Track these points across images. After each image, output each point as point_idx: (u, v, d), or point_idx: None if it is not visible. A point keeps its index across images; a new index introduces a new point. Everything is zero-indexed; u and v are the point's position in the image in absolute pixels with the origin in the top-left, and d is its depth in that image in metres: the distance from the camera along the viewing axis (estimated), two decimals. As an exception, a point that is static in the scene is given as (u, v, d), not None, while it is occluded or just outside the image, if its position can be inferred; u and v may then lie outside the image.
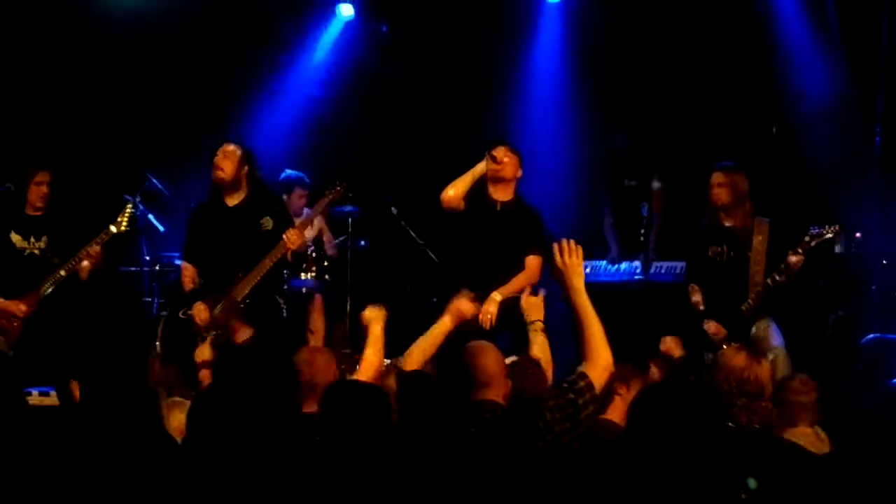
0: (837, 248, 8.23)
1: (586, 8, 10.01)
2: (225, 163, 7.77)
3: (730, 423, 4.71)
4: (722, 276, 7.66)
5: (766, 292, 7.45)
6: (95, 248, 7.86)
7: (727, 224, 7.69)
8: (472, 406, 4.51)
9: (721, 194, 7.63)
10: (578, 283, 4.73)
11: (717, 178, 7.65)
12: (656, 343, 6.74)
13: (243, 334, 6.59)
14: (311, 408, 4.89)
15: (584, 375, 4.58)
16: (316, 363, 5.30)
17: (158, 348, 7.80)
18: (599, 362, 4.64)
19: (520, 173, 7.62)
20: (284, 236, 7.68)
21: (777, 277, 7.37)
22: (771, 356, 7.32)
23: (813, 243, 7.32)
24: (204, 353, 6.62)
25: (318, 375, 5.19)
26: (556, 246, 4.74)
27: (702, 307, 7.66)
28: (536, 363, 5.32)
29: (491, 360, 4.65)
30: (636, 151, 9.41)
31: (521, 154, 7.63)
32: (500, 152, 7.52)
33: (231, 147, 7.80)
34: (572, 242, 4.72)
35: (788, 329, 7.65)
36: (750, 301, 7.50)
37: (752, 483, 3.85)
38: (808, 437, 5.09)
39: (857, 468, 4.15)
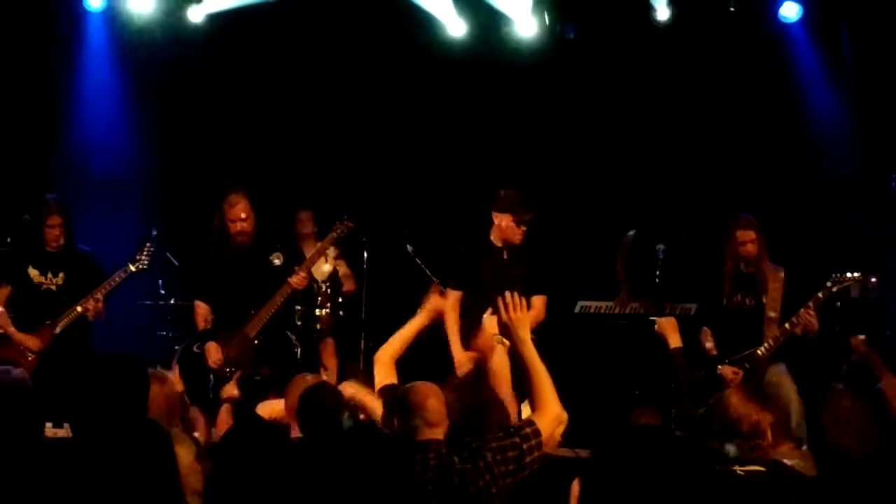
0: (853, 293, 8.21)
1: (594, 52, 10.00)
2: (247, 223, 7.84)
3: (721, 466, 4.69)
4: (738, 323, 7.78)
5: (783, 338, 7.53)
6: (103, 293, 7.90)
7: (745, 271, 7.80)
8: (418, 446, 4.64)
9: (752, 249, 7.78)
10: (525, 335, 4.92)
11: (749, 234, 7.77)
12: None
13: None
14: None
15: (531, 423, 4.76)
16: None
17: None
18: (549, 413, 4.83)
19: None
20: (290, 280, 7.73)
21: (792, 328, 7.46)
22: (786, 402, 7.39)
23: (825, 296, 7.47)
24: (230, 391, 6.70)
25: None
26: (500, 301, 4.89)
27: (714, 353, 7.71)
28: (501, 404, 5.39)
29: (438, 400, 4.80)
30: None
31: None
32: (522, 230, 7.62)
33: (243, 202, 7.85)
34: (516, 296, 4.89)
35: (802, 375, 7.68)
36: (766, 346, 7.56)
37: None
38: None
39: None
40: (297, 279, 7.78)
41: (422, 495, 4.55)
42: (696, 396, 7.14)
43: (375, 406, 5.97)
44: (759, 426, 4.72)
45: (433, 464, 4.62)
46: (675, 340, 6.82)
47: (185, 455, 5.12)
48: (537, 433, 4.71)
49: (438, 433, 4.73)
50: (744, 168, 9.61)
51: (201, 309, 8.00)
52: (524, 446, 4.66)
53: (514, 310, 4.93)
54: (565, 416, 5.06)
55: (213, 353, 7.78)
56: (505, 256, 7.74)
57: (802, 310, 7.48)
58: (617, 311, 9.12)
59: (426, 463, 4.62)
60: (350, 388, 6.15)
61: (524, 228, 7.69)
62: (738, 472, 4.60)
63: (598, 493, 3.44)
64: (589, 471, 3.91)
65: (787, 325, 7.55)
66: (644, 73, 9.77)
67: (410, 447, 4.64)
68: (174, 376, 5.87)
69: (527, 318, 4.97)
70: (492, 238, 7.80)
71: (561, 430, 5.15)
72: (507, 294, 4.91)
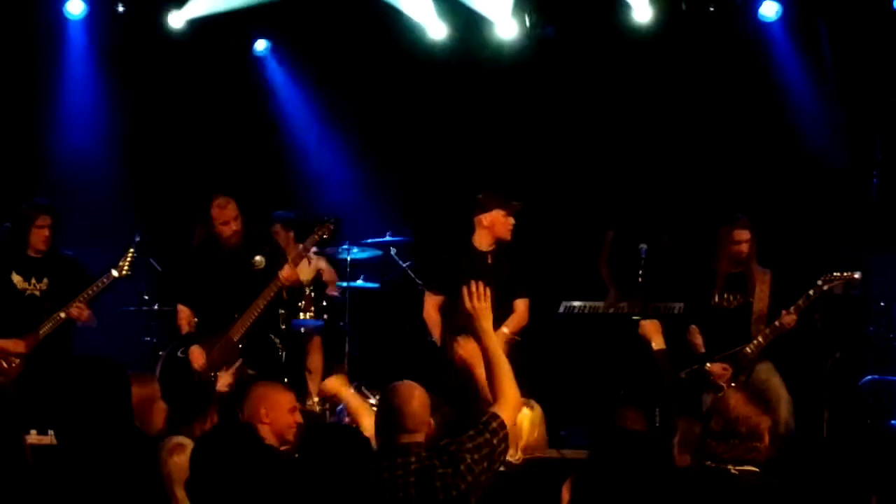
0: (836, 290, 8.25)
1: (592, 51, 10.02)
2: (237, 224, 7.83)
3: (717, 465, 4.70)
4: (726, 322, 7.81)
5: (773, 336, 7.60)
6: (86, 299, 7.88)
7: (735, 271, 7.85)
8: (399, 450, 4.62)
9: (745, 249, 7.82)
10: (487, 326, 4.92)
11: (744, 234, 7.82)
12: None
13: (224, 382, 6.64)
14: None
15: (496, 416, 4.73)
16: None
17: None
18: (510, 402, 4.82)
19: None
20: (280, 273, 7.73)
21: (780, 327, 7.54)
22: (776, 399, 7.43)
23: (816, 294, 7.57)
24: (225, 381, 6.70)
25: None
26: (464, 290, 4.87)
27: (702, 349, 7.75)
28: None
29: (420, 403, 4.76)
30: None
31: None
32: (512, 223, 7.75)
33: (232, 204, 7.84)
34: (481, 286, 4.85)
35: (787, 371, 7.74)
36: (755, 343, 7.63)
37: None
38: None
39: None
40: (285, 272, 7.77)
41: (403, 500, 4.55)
42: (680, 396, 7.19)
43: (358, 405, 5.97)
44: (758, 429, 4.73)
45: (414, 468, 4.61)
46: (658, 342, 6.86)
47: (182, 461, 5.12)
48: (503, 425, 4.73)
49: (419, 436, 4.72)
50: (725, 166, 9.65)
51: (184, 313, 7.98)
52: (494, 441, 4.69)
53: (478, 299, 4.92)
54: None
55: (198, 356, 7.77)
56: (489, 261, 7.77)
57: (784, 313, 7.53)
58: (601, 311, 9.16)
59: (407, 467, 4.61)
60: (333, 384, 6.15)
61: (513, 221, 7.75)
62: (732, 471, 4.62)
63: (589, 494, 3.45)
64: (580, 473, 3.94)
65: (776, 324, 7.59)
66: (625, 74, 9.80)
67: (391, 451, 4.63)
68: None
69: (489, 309, 4.94)
70: (474, 243, 7.83)
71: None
72: (472, 284, 4.90)
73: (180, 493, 4.58)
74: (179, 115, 10.28)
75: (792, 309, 7.55)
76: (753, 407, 4.80)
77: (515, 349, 7.45)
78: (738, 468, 4.63)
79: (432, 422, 4.97)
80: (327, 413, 8.36)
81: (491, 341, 4.93)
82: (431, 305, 7.91)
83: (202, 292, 7.94)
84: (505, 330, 7.42)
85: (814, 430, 7.93)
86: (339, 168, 10.52)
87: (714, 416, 4.77)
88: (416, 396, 4.78)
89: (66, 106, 10.15)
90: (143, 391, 5.71)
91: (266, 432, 5.12)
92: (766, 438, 4.83)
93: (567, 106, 10.05)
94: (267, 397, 5.47)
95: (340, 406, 7.54)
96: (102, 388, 4.40)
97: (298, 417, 5.57)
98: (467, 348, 5.83)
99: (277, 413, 5.44)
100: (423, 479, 4.60)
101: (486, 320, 4.93)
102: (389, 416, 4.73)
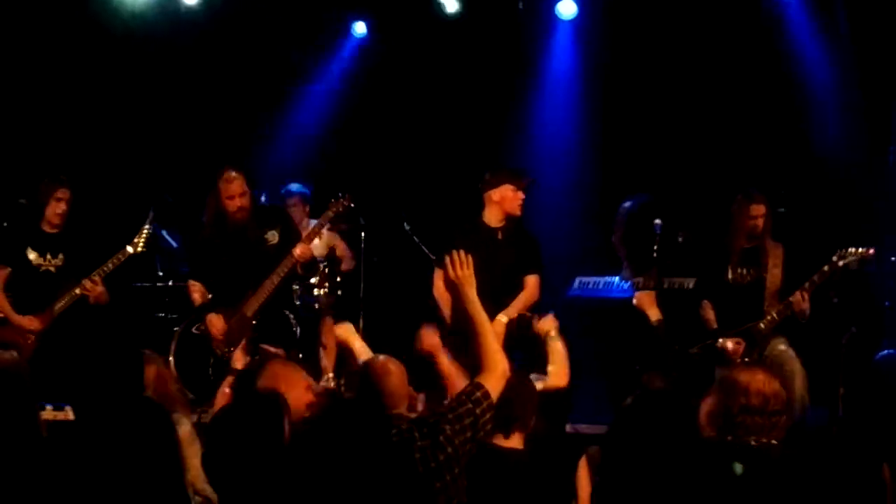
0: (851, 266, 8.22)
1: (597, 26, 10.00)
2: (245, 199, 7.82)
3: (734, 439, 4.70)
4: (739, 297, 7.80)
5: (787, 311, 7.58)
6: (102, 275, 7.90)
7: (748, 246, 7.83)
8: (379, 423, 4.64)
9: (760, 223, 7.80)
10: (471, 294, 4.87)
11: (760, 209, 7.80)
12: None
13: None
14: None
15: (480, 385, 4.72)
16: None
17: (172, 364, 7.85)
18: (496, 371, 4.77)
19: None
20: (293, 251, 7.73)
21: (791, 303, 7.51)
22: (790, 375, 7.42)
23: (831, 270, 7.55)
24: (238, 358, 6.72)
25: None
26: (447, 258, 4.84)
27: (715, 325, 7.74)
28: (527, 380, 5.40)
29: (397, 378, 4.85)
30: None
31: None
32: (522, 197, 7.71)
33: (240, 178, 7.81)
34: (462, 254, 4.82)
35: (801, 347, 7.72)
36: (769, 319, 7.62)
37: (738, 468, 3.85)
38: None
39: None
40: (300, 249, 7.78)
41: (384, 472, 4.59)
42: (692, 371, 7.18)
43: (363, 351, 6.00)
44: (779, 403, 4.73)
45: (394, 441, 4.63)
46: (654, 314, 6.89)
47: (186, 435, 5.16)
48: (487, 395, 4.71)
49: (399, 409, 4.81)
50: (740, 143, 9.60)
51: (196, 287, 8.01)
52: (477, 411, 4.67)
53: (462, 267, 4.88)
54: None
55: (216, 323, 7.79)
56: (499, 237, 7.75)
57: (798, 293, 7.49)
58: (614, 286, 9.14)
59: (388, 440, 4.61)
60: (342, 331, 6.22)
61: (522, 196, 7.72)
62: (752, 442, 4.61)
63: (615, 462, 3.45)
64: (606, 440, 3.92)
65: (790, 300, 7.57)
66: (651, 40, 9.74)
67: (371, 424, 4.65)
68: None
69: (472, 277, 4.90)
70: (484, 219, 7.81)
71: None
72: (455, 252, 4.91)
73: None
74: (198, 86, 10.27)
75: (807, 285, 7.51)
76: (773, 381, 4.80)
77: (526, 326, 7.46)
78: (759, 441, 4.62)
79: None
80: (342, 388, 8.37)
81: (476, 309, 4.87)
82: (441, 281, 7.89)
83: (215, 268, 7.94)
84: (503, 319, 7.37)
85: (829, 405, 7.92)
86: (353, 143, 10.53)
87: (733, 391, 4.76)
88: (393, 372, 4.88)
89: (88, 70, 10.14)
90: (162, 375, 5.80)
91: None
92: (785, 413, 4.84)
93: (591, 74, 10.05)
94: (284, 375, 5.47)
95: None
96: (115, 365, 4.46)
97: (313, 394, 5.59)
98: (428, 340, 5.83)
99: (296, 391, 5.43)
100: (403, 452, 4.62)
101: (470, 289, 4.89)
102: (369, 392, 4.81)
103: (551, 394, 5.87)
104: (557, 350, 6.06)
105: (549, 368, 6.04)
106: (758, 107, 9.61)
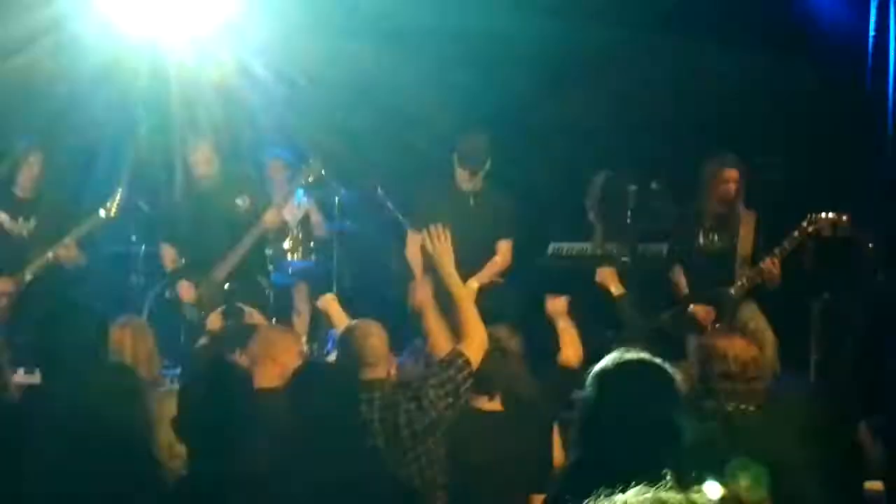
0: (825, 232, 8.20)
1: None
2: (209, 166, 7.85)
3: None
4: (710, 264, 7.76)
5: (757, 279, 7.53)
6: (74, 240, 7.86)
7: (720, 211, 7.76)
8: (363, 385, 4.71)
9: (733, 189, 7.69)
10: (449, 267, 5.07)
11: (733, 174, 7.67)
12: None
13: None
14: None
15: (461, 353, 4.94)
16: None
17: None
18: (475, 340, 5.00)
19: None
20: (264, 217, 7.74)
21: (761, 269, 7.47)
22: (760, 341, 7.43)
23: (801, 235, 7.47)
24: (214, 322, 6.75)
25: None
26: (424, 233, 4.97)
27: (685, 291, 7.74)
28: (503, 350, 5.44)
29: (378, 339, 4.94)
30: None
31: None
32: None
33: (203, 146, 7.86)
34: (440, 227, 5.02)
35: (773, 314, 7.71)
36: (739, 285, 7.59)
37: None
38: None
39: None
40: (270, 215, 7.80)
41: (369, 435, 4.65)
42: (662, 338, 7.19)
43: (341, 318, 6.01)
44: (757, 369, 4.77)
45: (378, 403, 4.77)
46: (617, 288, 6.93)
47: (160, 398, 5.16)
48: (467, 363, 4.90)
49: (381, 371, 4.89)
50: (717, 109, 9.51)
51: (168, 251, 8.05)
52: (459, 378, 4.87)
53: (439, 240, 5.04)
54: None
55: (186, 289, 7.83)
56: (471, 202, 7.73)
57: (768, 259, 7.46)
58: (588, 252, 9.13)
59: (371, 403, 4.75)
60: (323, 302, 6.26)
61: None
62: (729, 408, 4.64)
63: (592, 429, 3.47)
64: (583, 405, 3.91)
65: (760, 266, 7.51)
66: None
67: (354, 387, 4.68)
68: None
69: (450, 250, 5.07)
70: (458, 183, 7.78)
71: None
72: (431, 227, 4.97)
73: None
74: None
75: (777, 251, 7.47)
76: (751, 348, 4.83)
77: (500, 291, 7.49)
78: (739, 408, 4.65)
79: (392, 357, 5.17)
80: (314, 353, 8.38)
81: (454, 281, 5.05)
82: (414, 245, 7.86)
83: (185, 232, 7.96)
84: (474, 284, 7.36)
85: (800, 372, 7.93)
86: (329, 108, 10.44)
87: (712, 358, 4.79)
88: (374, 333, 4.95)
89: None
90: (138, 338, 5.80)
91: (276, 374, 5.13)
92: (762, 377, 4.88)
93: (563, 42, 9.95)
94: (277, 340, 5.48)
95: (328, 346, 7.59)
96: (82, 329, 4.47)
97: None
98: (421, 294, 5.87)
99: (288, 356, 5.45)
100: (388, 413, 4.76)
101: (447, 262, 5.06)
102: (350, 353, 4.88)
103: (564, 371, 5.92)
104: (568, 331, 6.13)
105: (562, 349, 6.09)
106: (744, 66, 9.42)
